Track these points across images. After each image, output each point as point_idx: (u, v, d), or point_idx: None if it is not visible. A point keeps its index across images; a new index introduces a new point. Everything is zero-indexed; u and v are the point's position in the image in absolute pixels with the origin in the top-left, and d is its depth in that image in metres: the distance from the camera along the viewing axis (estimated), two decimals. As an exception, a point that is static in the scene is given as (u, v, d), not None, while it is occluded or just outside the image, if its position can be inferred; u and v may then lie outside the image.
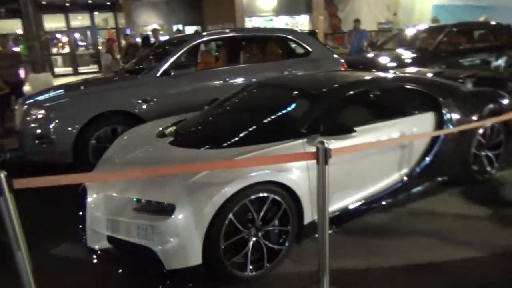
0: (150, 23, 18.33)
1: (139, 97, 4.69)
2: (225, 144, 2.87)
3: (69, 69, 18.31)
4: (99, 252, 2.61)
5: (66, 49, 19.13)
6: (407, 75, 4.04)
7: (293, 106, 3.32)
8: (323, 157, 2.03)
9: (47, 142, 4.28)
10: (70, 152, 4.31)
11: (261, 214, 2.52)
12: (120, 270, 2.64)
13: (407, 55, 7.58)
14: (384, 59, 7.62)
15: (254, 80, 5.19)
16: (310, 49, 6.03)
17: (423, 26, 9.50)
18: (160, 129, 3.52)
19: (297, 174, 2.62)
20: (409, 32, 9.11)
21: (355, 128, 2.78)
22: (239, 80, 5.30)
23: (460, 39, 8.00)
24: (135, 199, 2.51)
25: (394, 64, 7.28)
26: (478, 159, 3.79)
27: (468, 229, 3.09)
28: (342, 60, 6.36)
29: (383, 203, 3.22)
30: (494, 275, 2.54)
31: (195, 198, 2.31)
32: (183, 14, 18.70)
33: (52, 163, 4.46)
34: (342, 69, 6.10)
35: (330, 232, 2.81)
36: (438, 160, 3.46)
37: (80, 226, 2.75)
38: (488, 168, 3.87)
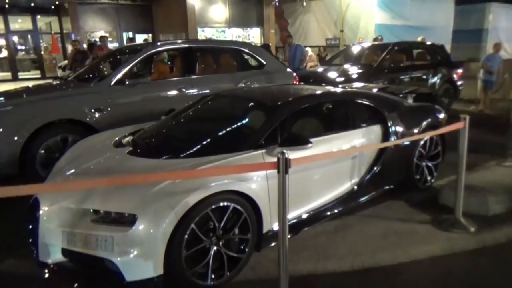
0: (98, 29, 17.79)
1: (91, 106, 4.56)
2: (184, 154, 2.90)
3: (7, 74, 17.20)
4: (52, 266, 2.52)
5: (4, 53, 17.96)
6: (356, 89, 4.32)
7: (250, 117, 3.43)
8: (283, 166, 2.13)
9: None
10: (16, 163, 4.09)
11: (222, 223, 2.57)
12: (76, 284, 2.56)
13: (353, 70, 8.04)
14: (332, 74, 8.02)
15: (209, 91, 5.26)
16: (264, 62, 6.22)
17: (367, 44, 10.12)
18: (117, 138, 3.47)
19: (256, 184, 2.71)
20: (355, 48, 9.66)
21: (310, 139, 2.93)
22: (194, 91, 5.34)
23: (401, 57, 8.63)
24: (92, 210, 2.46)
25: (342, 79, 7.69)
26: (419, 169, 4.12)
27: (412, 233, 3.35)
28: (294, 74, 6.62)
29: (336, 211, 3.40)
30: (435, 274, 2.79)
31: (157, 208, 2.32)
32: (133, 21, 18.35)
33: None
34: (295, 82, 6.35)
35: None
36: (385, 170, 3.73)
37: (30, 240, 2.64)
38: (428, 177, 4.22)
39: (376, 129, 3.77)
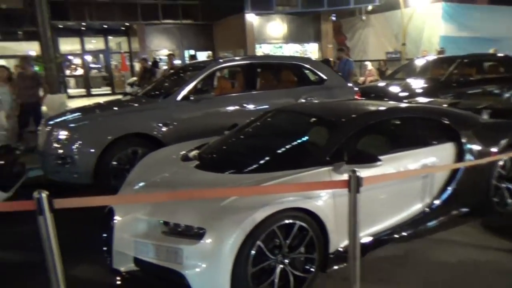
0: (162, 48, 18.81)
1: (159, 121, 4.78)
2: (249, 169, 2.92)
3: (82, 91, 18.66)
4: (124, 274, 2.63)
5: (80, 71, 19.55)
6: (426, 105, 4.11)
7: (315, 133, 3.38)
8: (355, 185, 2.06)
9: (69, 163, 4.35)
10: (91, 173, 4.38)
11: (288, 240, 2.54)
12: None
13: (418, 84, 7.70)
14: (395, 89, 7.75)
15: (269, 106, 5.30)
16: (324, 77, 6.15)
17: (433, 57, 9.68)
18: (184, 152, 3.58)
19: (323, 202, 2.65)
20: (419, 62, 9.27)
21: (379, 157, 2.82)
22: (256, 106, 5.41)
23: (471, 70, 8.14)
24: (162, 222, 2.54)
25: (405, 94, 7.40)
26: (498, 191, 3.80)
27: (493, 263, 3.07)
28: (356, 89, 6.48)
29: (404, 233, 3.22)
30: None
31: (225, 223, 2.34)
32: (195, 39, 19.19)
33: (72, 184, 4.52)
34: (357, 97, 6.20)
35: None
36: (460, 191, 3.47)
37: (105, 248, 2.78)
38: (509, 200, 3.87)
39: (449, 147, 3.54)
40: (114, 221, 2.68)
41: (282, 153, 3.20)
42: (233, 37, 17.59)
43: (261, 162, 3.04)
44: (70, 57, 19.85)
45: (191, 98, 5.02)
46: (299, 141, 3.40)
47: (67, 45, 18.64)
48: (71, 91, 18.50)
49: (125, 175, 4.51)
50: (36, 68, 15.13)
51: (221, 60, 5.86)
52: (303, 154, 3.08)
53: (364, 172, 2.72)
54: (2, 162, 3.89)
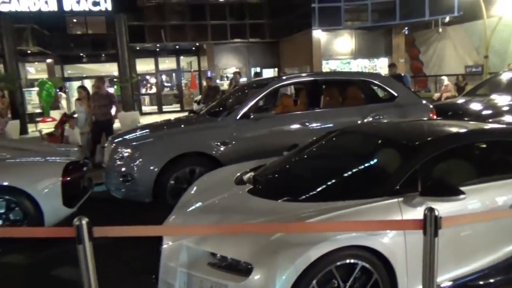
0: (230, 66, 19.28)
1: (218, 140, 4.69)
2: (307, 197, 2.64)
3: (154, 108, 19.73)
4: (169, 305, 2.47)
5: (153, 90, 20.74)
6: None
7: (382, 158, 3.01)
8: (432, 227, 1.69)
9: (130, 180, 4.41)
10: (150, 191, 4.38)
11: (349, 283, 2.20)
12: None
13: (505, 101, 6.82)
14: (476, 106, 6.96)
15: (333, 125, 4.98)
16: (395, 94, 5.68)
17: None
18: (238, 174, 3.41)
19: (391, 239, 2.27)
20: (506, 76, 8.29)
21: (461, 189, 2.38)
22: (319, 125, 5.11)
23: None
24: (209, 252, 2.35)
25: (489, 112, 6.60)
26: None
27: None
28: (431, 106, 5.89)
29: (492, 280, 2.68)
30: None
31: (275, 259, 2.07)
32: (261, 57, 19.41)
33: (132, 201, 4.57)
34: (433, 116, 5.62)
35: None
36: None
37: (154, 276, 2.65)
38: None
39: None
40: (163, 246, 2.55)
41: (345, 180, 2.88)
42: (299, 54, 17.46)
43: (320, 189, 2.74)
44: (146, 77, 21.22)
45: (251, 116, 4.88)
46: (364, 166, 3.04)
47: (143, 66, 19.92)
48: (144, 108, 19.65)
49: (182, 194, 4.51)
50: (115, 87, 16.36)
51: (284, 77, 5.68)
52: (369, 182, 2.72)
53: (442, 207, 2.34)
54: (69, 178, 4.02)
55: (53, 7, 11.71)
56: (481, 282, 2.64)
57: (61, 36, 18.08)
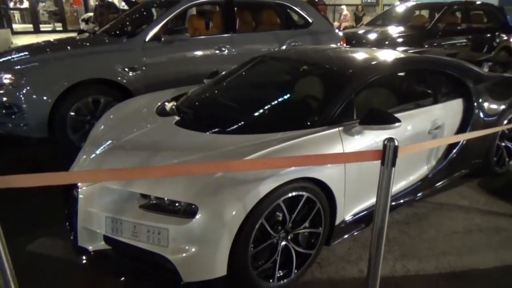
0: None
1: (124, 64, 4.09)
2: (244, 129, 2.44)
3: (28, 26, 16.75)
4: (92, 253, 2.16)
5: (25, 4, 17.42)
6: (435, 56, 3.67)
7: (317, 86, 2.91)
8: (391, 157, 1.65)
9: (17, 113, 3.65)
10: (45, 125, 3.71)
11: (293, 215, 2.15)
12: (122, 278, 2.21)
13: (400, 32, 7.27)
14: (374, 36, 7.31)
15: (251, 50, 4.72)
16: (310, 20, 5.57)
17: (416, 3, 9.22)
18: (159, 104, 3.02)
19: (333, 168, 2.24)
20: (401, 8, 8.82)
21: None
22: (236, 50, 4.79)
23: (457, 18, 7.78)
24: (139, 194, 2.05)
25: (386, 42, 7.00)
26: (499, 150, 3.58)
27: (499, 230, 2.87)
28: (341, 34, 5.96)
29: (408, 198, 2.93)
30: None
31: (223, 198, 1.88)
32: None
33: (23, 137, 3.86)
34: (343, 44, 5.71)
35: (356, 233, 2.56)
36: (465, 152, 3.21)
37: (68, 223, 2.28)
38: (507, 160, 3.68)
39: (457, 104, 3.21)
40: (78, 190, 2.15)
41: (279, 110, 2.73)
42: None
43: (255, 120, 2.56)
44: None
45: (162, 39, 4.32)
46: (298, 95, 2.92)
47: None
48: (16, 26, 16.57)
49: (85, 127, 3.94)
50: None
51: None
52: (304, 111, 2.62)
53: (378, 134, 2.39)
54: None
55: None
56: (401, 201, 2.86)
57: None
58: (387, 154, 1.65)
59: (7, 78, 3.68)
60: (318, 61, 3.16)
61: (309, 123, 2.41)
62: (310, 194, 2.16)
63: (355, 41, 7.27)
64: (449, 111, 3.11)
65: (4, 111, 3.68)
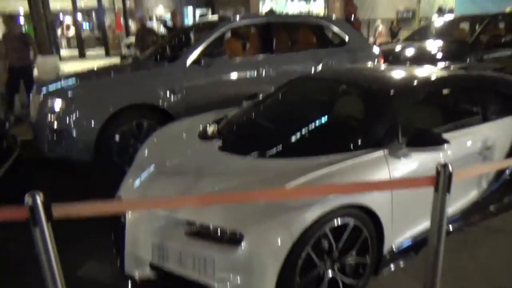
0: (158, 5, 17.73)
1: (166, 89, 4.21)
2: (284, 152, 2.42)
3: (74, 52, 17.73)
4: (139, 281, 2.18)
5: (71, 31, 18.51)
6: (485, 73, 3.52)
7: (359, 107, 2.85)
8: (445, 183, 1.57)
9: (67, 138, 3.83)
10: (92, 149, 3.86)
11: (340, 243, 2.08)
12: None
13: (440, 48, 7.06)
14: (414, 51, 7.13)
15: (289, 70, 4.74)
16: (346, 38, 5.52)
17: (455, 16, 8.96)
18: (200, 128, 3.06)
19: (379, 194, 2.17)
20: (439, 22, 8.60)
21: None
22: (275, 70, 4.83)
23: (500, 31, 7.48)
24: (185, 221, 2.06)
25: (425, 58, 6.80)
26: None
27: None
28: (379, 51, 5.86)
29: (459, 224, 2.78)
30: None
31: (269, 225, 1.86)
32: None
33: (71, 160, 4.02)
34: (381, 61, 5.61)
35: (405, 261, 2.44)
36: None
37: (115, 249, 2.33)
38: None
39: (509, 122, 3.04)
40: (126, 216, 2.20)
41: (322, 132, 2.69)
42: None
43: (298, 143, 2.54)
44: (61, 16, 18.76)
45: (202, 62, 4.43)
46: (339, 116, 2.88)
47: (57, 2, 17.50)
48: (63, 53, 17.59)
49: (129, 151, 4.05)
50: (25, 27, 14.23)
51: (235, 19, 5.17)
52: (348, 133, 2.57)
53: (426, 156, 2.30)
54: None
55: None
56: (450, 228, 2.72)
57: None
58: (441, 180, 1.57)
59: (58, 105, 3.88)
60: (358, 81, 3.10)
61: (352, 146, 2.36)
62: (357, 221, 2.10)
63: (392, 57, 7.14)
64: (500, 130, 2.95)
65: (55, 137, 3.86)
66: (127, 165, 2.91)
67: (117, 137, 3.97)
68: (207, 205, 2.01)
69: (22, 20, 14.87)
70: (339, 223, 2.03)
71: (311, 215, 1.90)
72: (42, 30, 11.75)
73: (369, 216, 2.16)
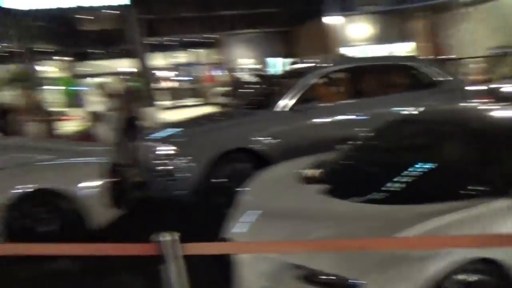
0: (245, 57, 18.94)
1: (264, 134, 4.41)
2: (395, 198, 2.33)
3: (171, 103, 19.45)
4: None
5: (169, 84, 20.48)
6: None
7: (472, 150, 2.67)
8: None
9: (175, 180, 4.15)
10: (195, 191, 4.12)
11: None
12: None
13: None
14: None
15: (383, 113, 4.65)
16: (438, 79, 5.31)
17: None
18: (303, 172, 3.09)
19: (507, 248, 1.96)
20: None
21: None
22: (367, 115, 4.78)
23: None
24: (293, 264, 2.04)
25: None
26: None
27: None
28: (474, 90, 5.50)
29: None
30: None
31: (391, 276, 1.78)
32: (274, 47, 18.96)
33: (174, 201, 4.33)
34: (486, 100, 5.26)
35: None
36: None
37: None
38: None
39: None
40: (235, 257, 2.27)
41: (435, 177, 2.53)
42: (313, 42, 16.90)
43: (409, 189, 2.43)
44: (159, 71, 20.92)
45: (296, 108, 4.58)
46: (449, 160, 2.71)
47: (157, 60, 19.62)
48: (161, 103, 19.38)
49: (227, 192, 4.22)
50: (133, 83, 16.09)
51: (324, 66, 5.31)
52: (465, 179, 2.39)
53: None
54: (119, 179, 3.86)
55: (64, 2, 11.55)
56: None
57: (71, 32, 17.77)
58: None
59: (166, 150, 4.26)
60: (466, 122, 2.92)
61: (469, 193, 2.19)
62: (483, 277, 1.91)
63: (495, 95, 6.69)
64: None
65: (166, 179, 4.21)
66: (227, 208, 3.00)
67: (218, 180, 4.19)
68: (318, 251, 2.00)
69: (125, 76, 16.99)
70: (464, 277, 1.86)
71: (436, 267, 1.78)
72: (145, 86, 13.29)
73: (496, 270, 1.95)
